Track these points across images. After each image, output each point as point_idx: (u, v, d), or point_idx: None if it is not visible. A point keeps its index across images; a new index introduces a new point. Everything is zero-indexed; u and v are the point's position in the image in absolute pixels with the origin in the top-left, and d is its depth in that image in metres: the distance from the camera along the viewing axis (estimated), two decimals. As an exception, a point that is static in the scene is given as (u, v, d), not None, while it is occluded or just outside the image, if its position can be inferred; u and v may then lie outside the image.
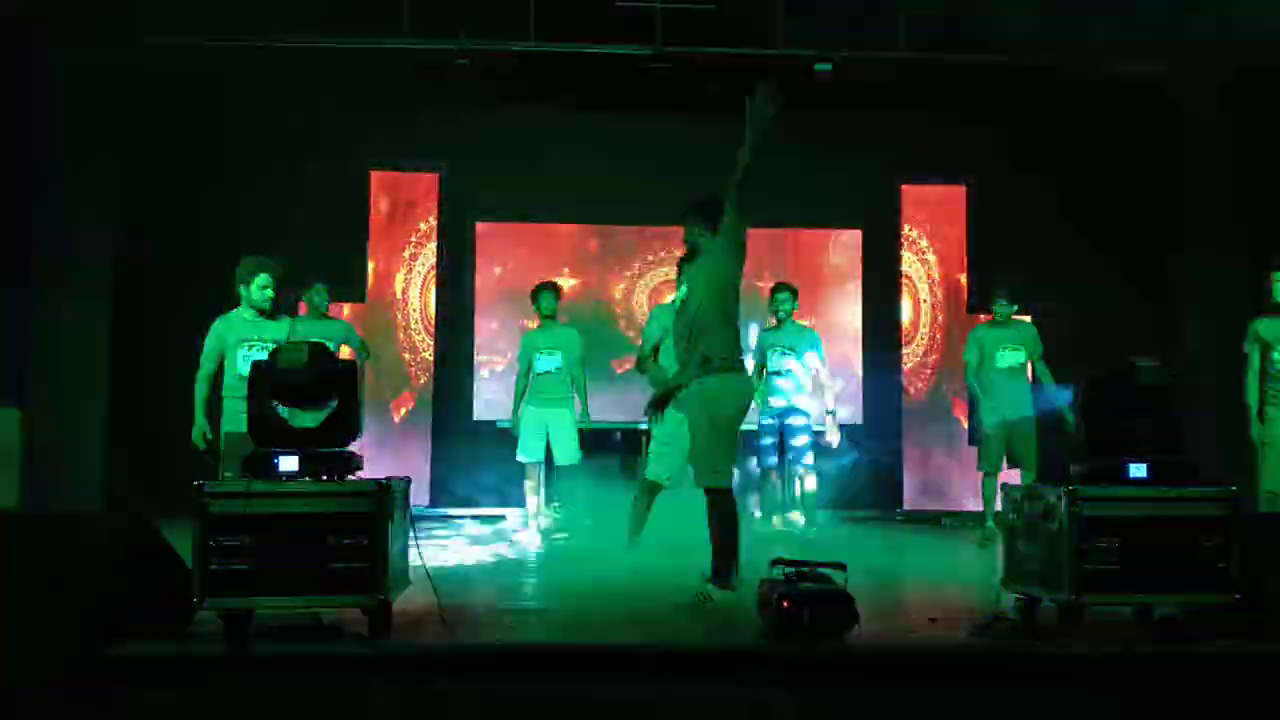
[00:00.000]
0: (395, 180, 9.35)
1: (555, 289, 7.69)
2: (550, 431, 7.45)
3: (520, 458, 7.52)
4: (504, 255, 9.43)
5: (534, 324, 7.78)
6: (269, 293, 5.84)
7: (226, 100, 8.44)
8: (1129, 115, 8.87)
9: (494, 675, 3.86)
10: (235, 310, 5.91)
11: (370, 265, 9.25)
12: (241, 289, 5.86)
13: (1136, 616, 4.44)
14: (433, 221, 9.34)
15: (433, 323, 9.22)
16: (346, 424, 4.37)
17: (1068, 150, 9.05)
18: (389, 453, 8.77)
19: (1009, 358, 7.50)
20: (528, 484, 7.54)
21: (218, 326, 5.87)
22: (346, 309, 9.00)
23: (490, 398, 9.09)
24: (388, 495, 4.13)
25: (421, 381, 9.17)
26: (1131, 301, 8.72)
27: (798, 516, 7.60)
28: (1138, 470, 4.35)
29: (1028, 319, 7.85)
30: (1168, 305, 8.71)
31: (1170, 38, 8.13)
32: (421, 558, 4.49)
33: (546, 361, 7.49)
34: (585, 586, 5.46)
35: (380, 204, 9.31)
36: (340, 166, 9.06)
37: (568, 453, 7.45)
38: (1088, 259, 8.93)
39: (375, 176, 9.28)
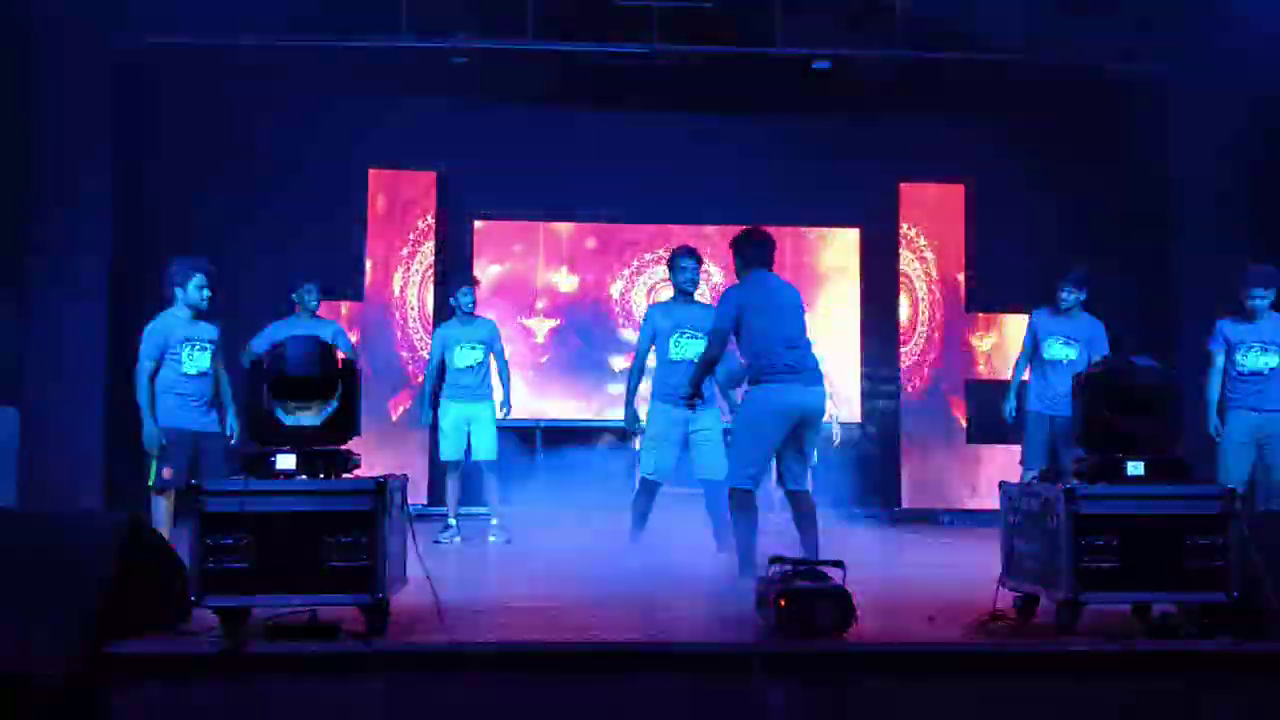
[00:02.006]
0: (393, 178, 9.34)
1: (474, 283, 7.68)
2: (471, 429, 7.40)
3: (443, 457, 7.47)
4: (502, 253, 9.43)
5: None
6: (206, 292, 5.99)
7: (225, 99, 8.43)
8: (1128, 115, 8.87)
9: (492, 674, 3.86)
10: (170, 311, 6.02)
11: (368, 263, 9.24)
12: (178, 290, 5.99)
13: (1134, 614, 4.45)
14: (431, 220, 9.34)
15: (430, 321, 9.21)
16: (345, 422, 4.37)
17: (1066, 149, 9.06)
18: (387, 451, 8.77)
19: (1059, 351, 7.01)
20: (450, 483, 7.48)
21: (159, 326, 5.98)
22: (344, 307, 9.00)
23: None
24: (385, 493, 4.13)
25: (419, 380, 9.17)
26: (1130, 300, 8.72)
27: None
28: (1135, 468, 4.34)
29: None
30: (1166, 304, 8.71)
31: (1170, 38, 8.12)
32: (419, 556, 4.49)
33: (467, 356, 7.45)
34: (584, 585, 5.47)
35: (378, 202, 9.31)
36: (338, 165, 9.05)
37: (486, 449, 7.39)
38: (1086, 258, 8.91)
39: (373, 174, 9.28)
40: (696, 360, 5.78)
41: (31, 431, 7.78)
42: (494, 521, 7.40)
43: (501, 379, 7.56)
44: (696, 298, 6.46)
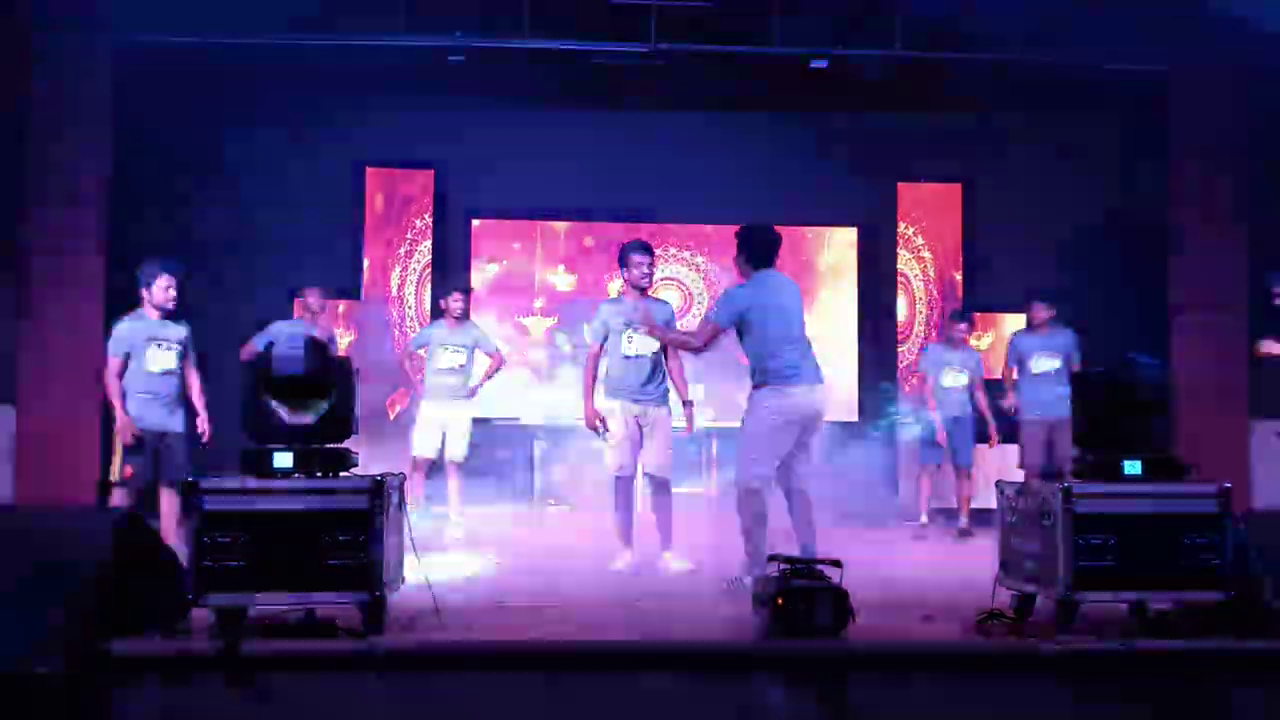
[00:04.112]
0: (391, 177, 9.34)
1: (466, 290, 7.83)
2: (447, 430, 7.50)
3: (416, 453, 7.56)
4: (499, 252, 9.43)
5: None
6: (172, 293, 6.13)
7: (223, 97, 8.42)
8: (1127, 114, 8.86)
9: (490, 673, 3.86)
10: (139, 311, 6.16)
11: (366, 262, 9.24)
12: (144, 291, 6.12)
13: (1131, 613, 4.45)
14: (428, 218, 9.34)
15: (428, 320, 9.20)
16: (342, 421, 4.37)
17: (1065, 149, 9.06)
18: (384, 450, 8.75)
19: (1044, 364, 7.70)
20: (418, 476, 7.55)
21: (124, 326, 6.12)
22: (342, 305, 8.99)
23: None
24: (382, 492, 4.13)
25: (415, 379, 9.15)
26: (1128, 300, 8.71)
27: None
28: (1132, 467, 4.36)
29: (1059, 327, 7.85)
30: (1163, 304, 8.70)
31: (1170, 37, 8.11)
32: (416, 554, 4.49)
33: (450, 359, 7.55)
34: (582, 584, 5.47)
35: (376, 201, 9.30)
36: (336, 163, 9.04)
37: (458, 451, 7.54)
38: (1083, 257, 8.93)
39: (371, 173, 9.28)
40: (671, 341, 5.94)
41: (28, 429, 7.76)
42: (453, 518, 7.48)
43: (488, 371, 7.70)
44: (650, 294, 6.40)
